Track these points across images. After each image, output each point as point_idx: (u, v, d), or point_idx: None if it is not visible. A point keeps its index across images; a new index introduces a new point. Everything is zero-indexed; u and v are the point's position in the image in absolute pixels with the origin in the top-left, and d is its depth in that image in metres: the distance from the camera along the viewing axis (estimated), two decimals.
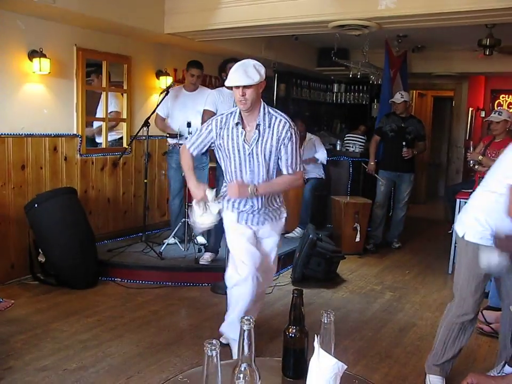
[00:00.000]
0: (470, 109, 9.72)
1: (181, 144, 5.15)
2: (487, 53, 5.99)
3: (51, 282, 4.79)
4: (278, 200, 3.42)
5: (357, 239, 6.27)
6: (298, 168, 3.23)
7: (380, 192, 6.61)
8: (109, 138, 5.90)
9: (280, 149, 3.17)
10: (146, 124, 5.30)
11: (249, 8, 4.91)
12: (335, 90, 9.43)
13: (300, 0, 4.66)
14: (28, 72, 4.82)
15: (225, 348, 3.45)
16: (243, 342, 1.29)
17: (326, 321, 1.41)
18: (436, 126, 11.06)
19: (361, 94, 9.32)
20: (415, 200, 9.31)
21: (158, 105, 5.38)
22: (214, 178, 6.62)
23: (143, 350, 3.60)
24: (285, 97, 8.44)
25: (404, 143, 6.34)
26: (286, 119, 3.18)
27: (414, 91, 10.11)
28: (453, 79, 9.18)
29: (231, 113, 3.24)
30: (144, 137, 5.57)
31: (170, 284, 4.97)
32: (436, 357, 3.17)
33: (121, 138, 6.09)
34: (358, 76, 7.26)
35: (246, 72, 3.02)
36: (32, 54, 4.80)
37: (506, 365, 3.19)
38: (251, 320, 1.29)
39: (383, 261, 6.27)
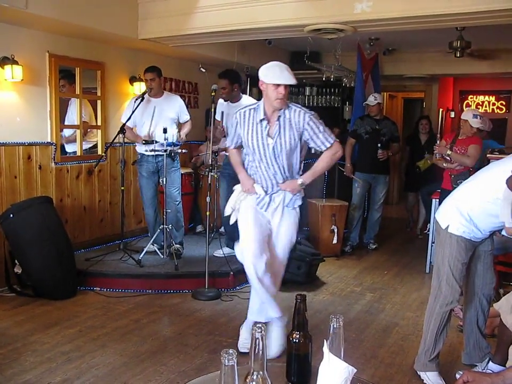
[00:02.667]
0: (440, 109, 9.86)
1: (158, 150, 5.16)
2: (458, 55, 6.09)
3: (28, 294, 4.68)
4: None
5: (335, 241, 6.29)
6: (331, 139, 3.44)
7: (356, 194, 6.65)
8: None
9: (303, 134, 3.40)
10: (122, 130, 5.21)
11: (225, 13, 4.89)
12: (307, 94, 9.45)
13: (276, 5, 4.66)
14: None
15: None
16: (255, 349, 1.28)
17: (335, 326, 1.41)
18: (406, 127, 11.20)
19: (333, 97, 9.35)
20: (387, 201, 9.40)
21: (133, 112, 5.25)
22: (189, 183, 6.62)
23: (127, 360, 3.54)
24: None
25: (378, 145, 6.40)
26: (301, 108, 3.42)
27: (385, 93, 10.22)
28: (423, 81, 9.33)
29: (254, 108, 3.44)
30: (118, 144, 5.50)
31: (150, 291, 4.91)
32: (428, 353, 3.22)
33: (94, 146, 6.03)
34: (331, 79, 7.30)
35: (290, 73, 3.32)
36: (4, 61, 4.71)
37: (490, 362, 3.26)
38: (262, 328, 1.28)
39: (360, 262, 6.32)
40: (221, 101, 5.31)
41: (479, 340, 3.37)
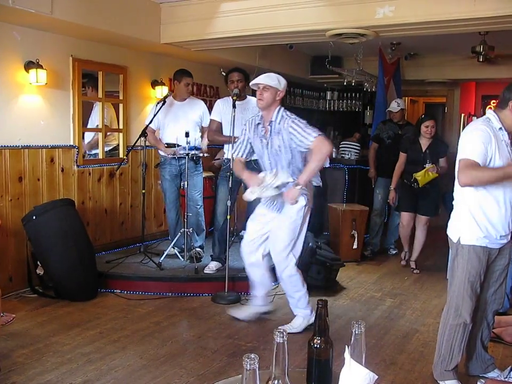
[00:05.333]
0: (462, 114, 9.80)
1: (181, 153, 5.18)
2: (481, 60, 6.04)
3: (50, 295, 4.74)
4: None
5: (355, 246, 6.26)
6: (314, 134, 3.65)
7: (378, 200, 6.61)
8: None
9: (291, 139, 3.71)
10: (143, 133, 5.26)
11: (246, 17, 4.92)
12: (328, 98, 9.47)
13: (297, 9, 4.67)
14: (24, 83, 4.79)
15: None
16: (277, 354, 1.28)
17: (357, 332, 1.40)
18: None
19: (354, 101, 9.36)
20: None
21: (155, 115, 5.30)
22: (210, 187, 6.65)
23: (147, 362, 3.56)
24: None
25: None
26: (288, 116, 3.78)
27: (406, 98, 10.18)
28: (445, 86, 9.27)
29: (257, 115, 3.98)
30: (140, 147, 5.54)
31: (170, 294, 4.93)
32: (444, 363, 3.17)
33: (113, 149, 6.08)
34: (353, 84, 7.29)
35: (268, 76, 3.78)
36: (29, 65, 4.77)
37: None
38: (284, 333, 1.28)
39: (380, 267, 6.27)
40: (220, 101, 5.27)
41: (481, 353, 3.32)
